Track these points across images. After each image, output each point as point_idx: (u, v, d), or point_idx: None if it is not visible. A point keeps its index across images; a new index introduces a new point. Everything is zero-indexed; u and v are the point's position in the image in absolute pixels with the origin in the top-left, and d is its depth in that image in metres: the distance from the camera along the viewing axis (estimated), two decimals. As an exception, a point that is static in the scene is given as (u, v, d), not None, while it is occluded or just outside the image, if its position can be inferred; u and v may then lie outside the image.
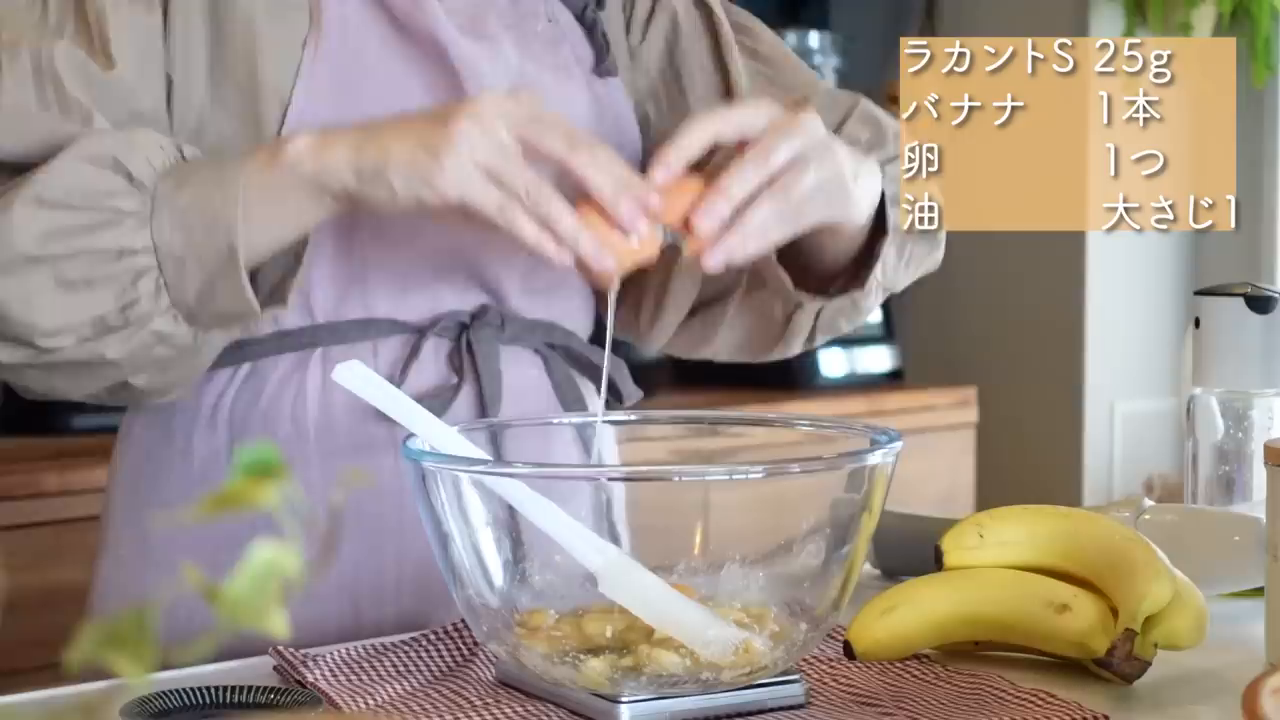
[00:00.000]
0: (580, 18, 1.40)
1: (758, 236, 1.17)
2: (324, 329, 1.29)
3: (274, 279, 1.21)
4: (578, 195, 1.16)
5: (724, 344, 1.47)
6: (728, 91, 1.43)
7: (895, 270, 1.36)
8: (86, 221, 1.14)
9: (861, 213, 1.26)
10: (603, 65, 1.40)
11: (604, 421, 1.26)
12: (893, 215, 1.30)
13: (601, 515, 1.09)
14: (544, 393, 1.37)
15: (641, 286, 1.43)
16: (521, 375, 1.35)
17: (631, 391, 1.43)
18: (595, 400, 1.39)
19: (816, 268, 1.35)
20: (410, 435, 1.07)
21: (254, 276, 1.18)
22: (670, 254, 1.40)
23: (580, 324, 1.42)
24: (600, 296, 1.40)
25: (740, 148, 1.19)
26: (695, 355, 1.50)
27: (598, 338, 1.36)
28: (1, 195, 1.15)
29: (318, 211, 1.18)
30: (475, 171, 1.12)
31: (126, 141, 1.16)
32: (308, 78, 1.26)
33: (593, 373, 1.39)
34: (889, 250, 1.32)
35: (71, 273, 1.14)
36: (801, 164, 1.18)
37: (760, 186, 1.17)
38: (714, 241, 1.16)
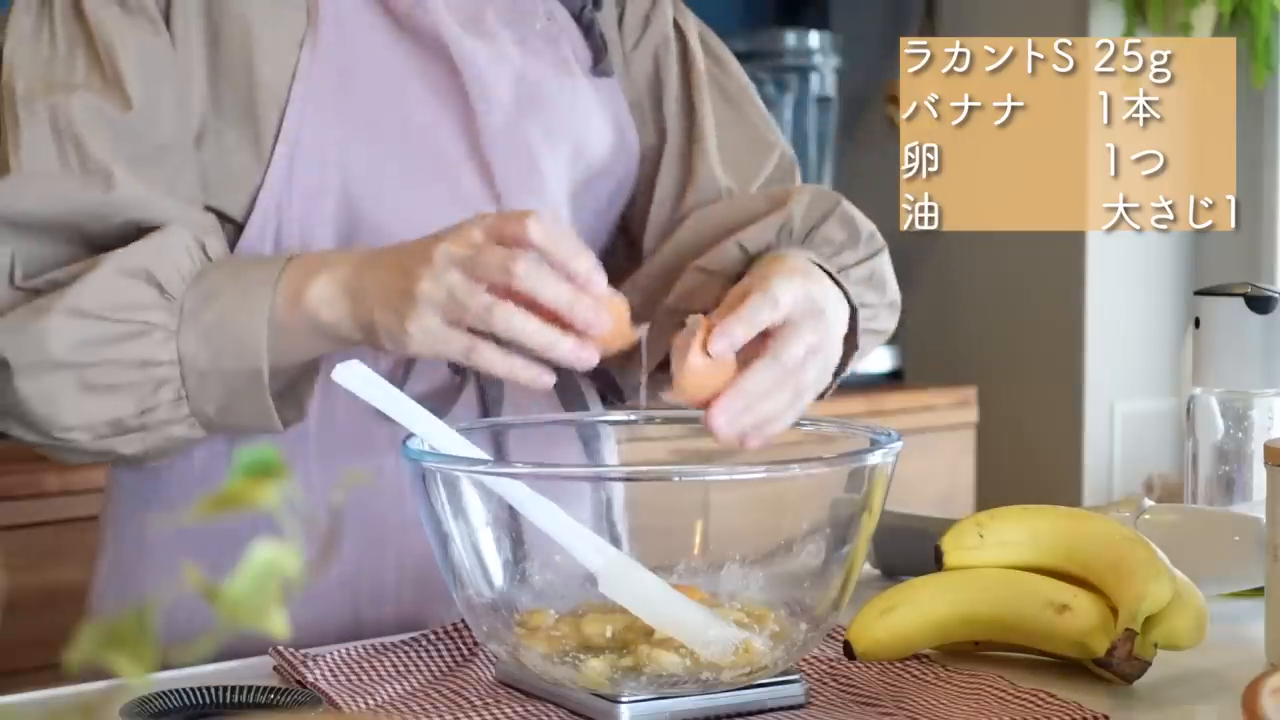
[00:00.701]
0: (578, 17, 1.40)
1: (767, 428, 1.17)
2: (325, 329, 1.29)
3: (286, 380, 1.21)
4: None
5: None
6: (691, 133, 1.42)
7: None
8: (117, 333, 1.16)
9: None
10: (600, 66, 1.40)
11: (604, 422, 1.26)
12: (863, 344, 1.32)
13: (601, 515, 1.10)
14: (545, 393, 1.37)
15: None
16: (523, 376, 1.35)
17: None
18: (597, 400, 1.39)
19: None
20: (410, 435, 1.07)
21: None
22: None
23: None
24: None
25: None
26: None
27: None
28: (37, 302, 1.16)
29: (336, 347, 1.19)
30: (438, 326, 1.11)
31: (157, 249, 1.17)
32: (305, 79, 1.25)
33: (594, 373, 1.38)
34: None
35: (96, 378, 1.16)
36: (809, 359, 1.18)
37: (775, 384, 1.17)
38: (729, 428, 1.16)
